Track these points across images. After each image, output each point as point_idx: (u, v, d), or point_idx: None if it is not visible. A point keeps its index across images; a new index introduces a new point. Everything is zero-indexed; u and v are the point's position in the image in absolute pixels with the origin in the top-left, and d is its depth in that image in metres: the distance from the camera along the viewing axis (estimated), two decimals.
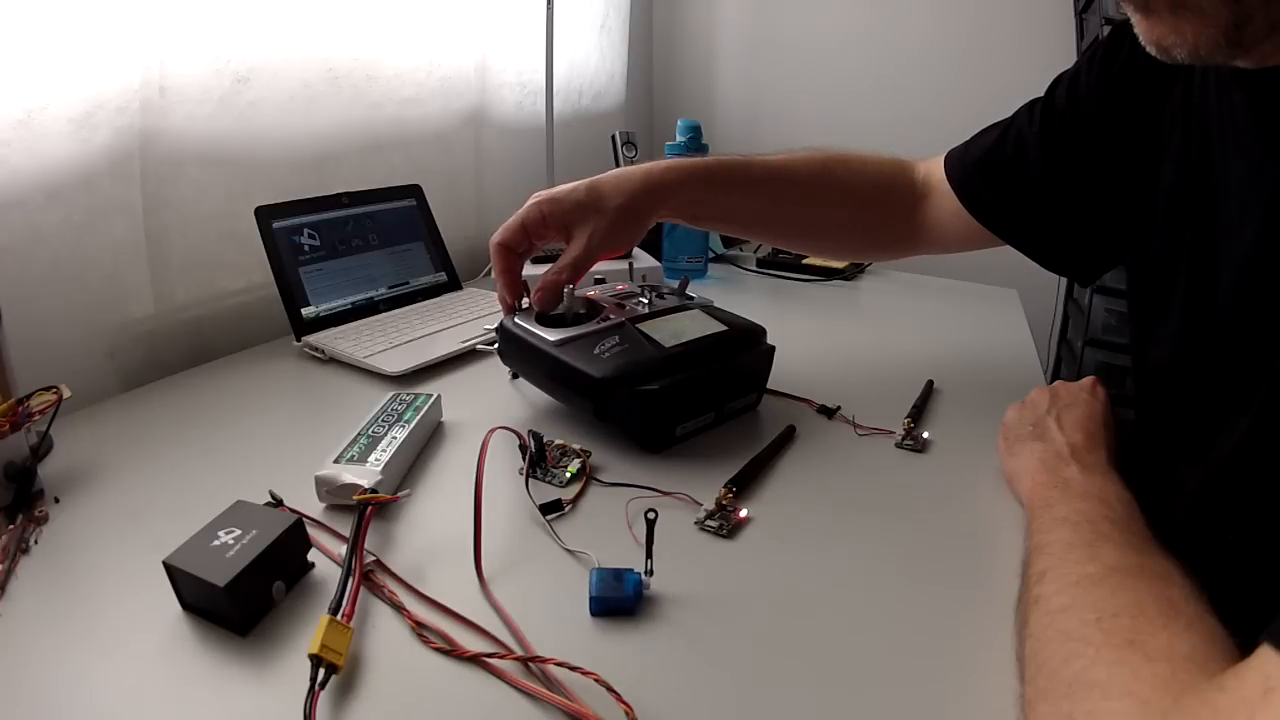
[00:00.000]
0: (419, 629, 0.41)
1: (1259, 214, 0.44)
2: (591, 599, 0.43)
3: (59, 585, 0.45)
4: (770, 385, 0.69)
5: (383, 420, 0.58)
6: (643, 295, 0.70)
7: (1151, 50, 0.41)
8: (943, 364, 0.78)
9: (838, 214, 0.75)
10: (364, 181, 0.93)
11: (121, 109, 0.71)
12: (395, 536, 0.49)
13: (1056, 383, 0.61)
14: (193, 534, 0.43)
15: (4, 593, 0.43)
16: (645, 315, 0.65)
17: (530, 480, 0.55)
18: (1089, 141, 0.60)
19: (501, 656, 0.38)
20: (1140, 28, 0.41)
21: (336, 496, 0.51)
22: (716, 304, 0.71)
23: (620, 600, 0.42)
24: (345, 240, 0.88)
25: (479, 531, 0.46)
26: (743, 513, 0.52)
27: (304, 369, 0.77)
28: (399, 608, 0.42)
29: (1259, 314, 0.45)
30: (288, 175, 0.89)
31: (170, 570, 0.41)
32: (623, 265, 0.87)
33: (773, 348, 0.67)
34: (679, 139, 1.08)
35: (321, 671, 0.36)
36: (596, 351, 0.60)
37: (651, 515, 0.44)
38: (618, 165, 1.09)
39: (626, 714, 0.35)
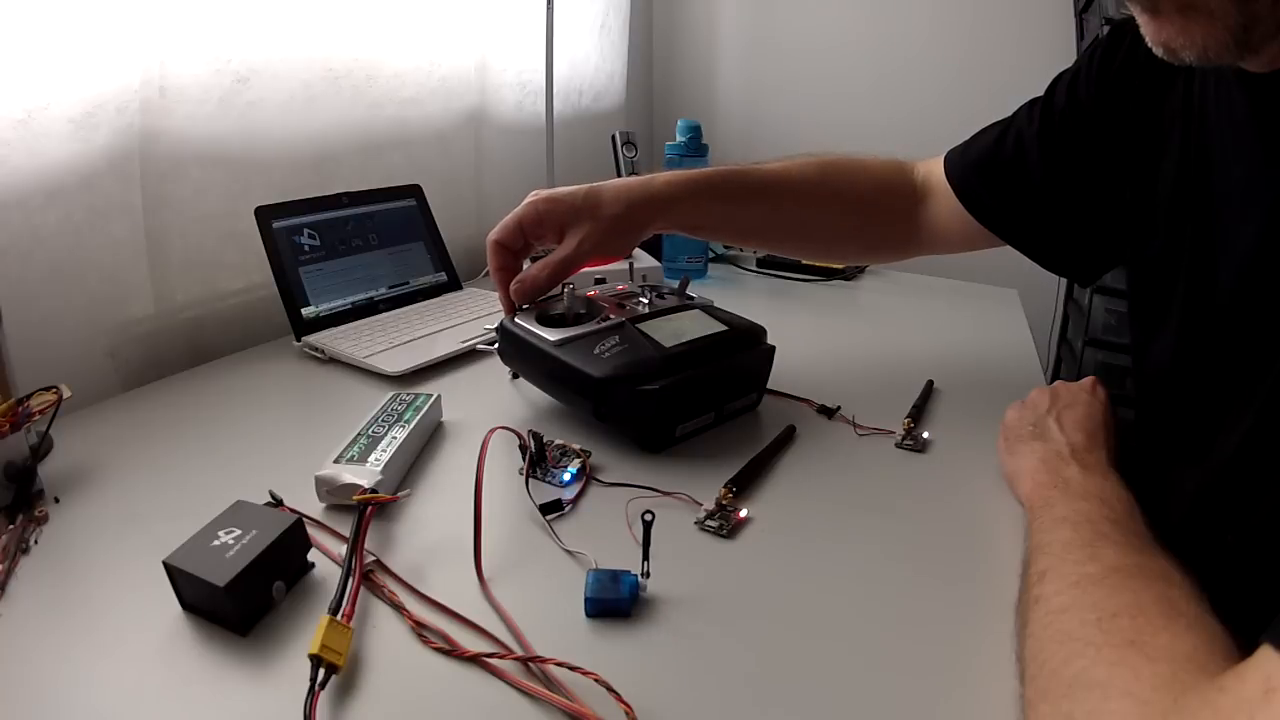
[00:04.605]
0: (419, 629, 0.41)
1: (1260, 214, 0.44)
2: (586, 600, 0.42)
3: (59, 585, 0.45)
4: (770, 385, 0.69)
5: (383, 420, 0.58)
6: (643, 295, 0.70)
7: (1159, 51, 0.41)
8: (943, 364, 0.78)
9: (838, 219, 0.75)
10: (364, 181, 0.93)
11: (121, 109, 0.71)
12: (395, 536, 0.49)
13: (1056, 383, 0.61)
14: (193, 534, 0.43)
15: (4, 593, 0.43)
16: (645, 315, 0.65)
17: (530, 480, 0.55)
18: (1089, 141, 0.60)
19: (501, 656, 0.38)
20: (1147, 29, 0.41)
21: (336, 496, 0.51)
22: (716, 304, 0.71)
23: (616, 602, 0.42)
24: (345, 240, 0.88)
25: (479, 531, 0.46)
26: (743, 513, 0.52)
27: (304, 369, 0.77)
28: (399, 608, 0.42)
29: (1259, 314, 0.45)
30: (288, 175, 0.89)
31: (170, 570, 0.41)
32: (623, 265, 0.87)
33: (773, 348, 0.67)
34: (679, 139, 1.08)
35: (321, 671, 0.36)
36: (596, 351, 0.60)
37: (649, 517, 0.44)
38: (617, 165, 1.09)
39: (626, 714, 0.35)
